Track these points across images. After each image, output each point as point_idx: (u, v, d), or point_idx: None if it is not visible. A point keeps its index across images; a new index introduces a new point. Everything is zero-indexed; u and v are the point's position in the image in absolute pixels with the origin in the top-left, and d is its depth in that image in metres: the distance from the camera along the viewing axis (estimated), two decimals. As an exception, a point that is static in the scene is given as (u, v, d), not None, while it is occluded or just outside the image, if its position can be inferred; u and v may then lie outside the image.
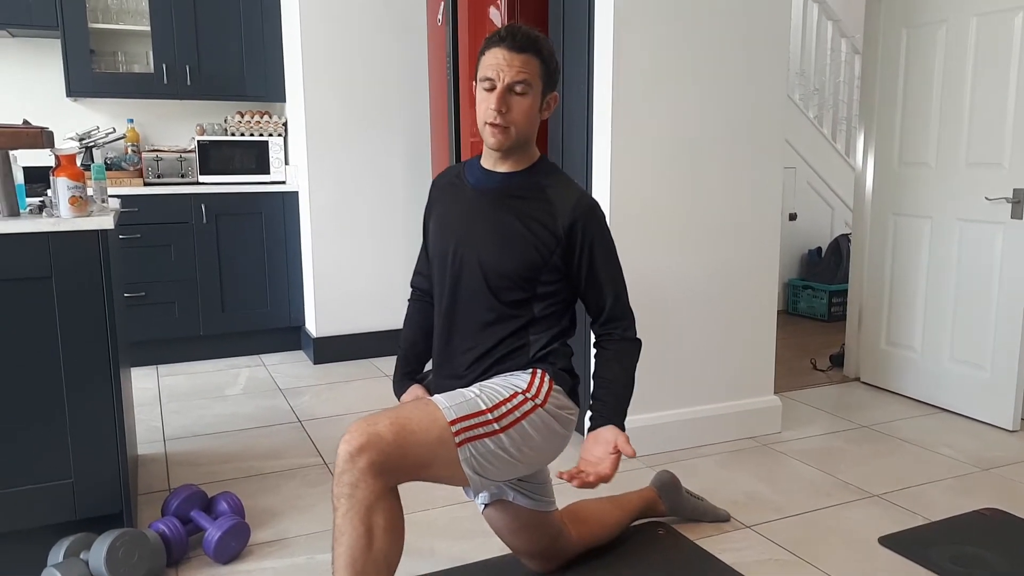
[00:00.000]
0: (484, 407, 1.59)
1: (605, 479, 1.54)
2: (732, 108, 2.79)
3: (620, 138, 2.62)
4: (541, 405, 1.65)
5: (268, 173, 4.26)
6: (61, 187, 1.96)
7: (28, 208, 2.11)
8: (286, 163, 4.36)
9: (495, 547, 2.13)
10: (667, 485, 2.28)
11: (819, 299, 5.11)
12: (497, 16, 3.11)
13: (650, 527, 2.25)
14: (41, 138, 1.97)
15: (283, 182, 4.27)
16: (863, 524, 2.31)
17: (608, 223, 1.78)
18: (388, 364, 4.06)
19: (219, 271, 4.07)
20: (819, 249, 5.38)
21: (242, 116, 4.31)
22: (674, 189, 2.72)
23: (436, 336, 1.81)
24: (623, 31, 2.58)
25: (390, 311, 4.21)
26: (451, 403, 1.58)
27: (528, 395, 1.65)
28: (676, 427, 2.85)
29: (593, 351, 1.80)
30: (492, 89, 1.62)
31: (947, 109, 3.26)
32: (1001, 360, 3.11)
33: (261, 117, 4.34)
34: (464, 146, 3.48)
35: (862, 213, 3.73)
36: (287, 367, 4.05)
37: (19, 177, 2.13)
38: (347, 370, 3.97)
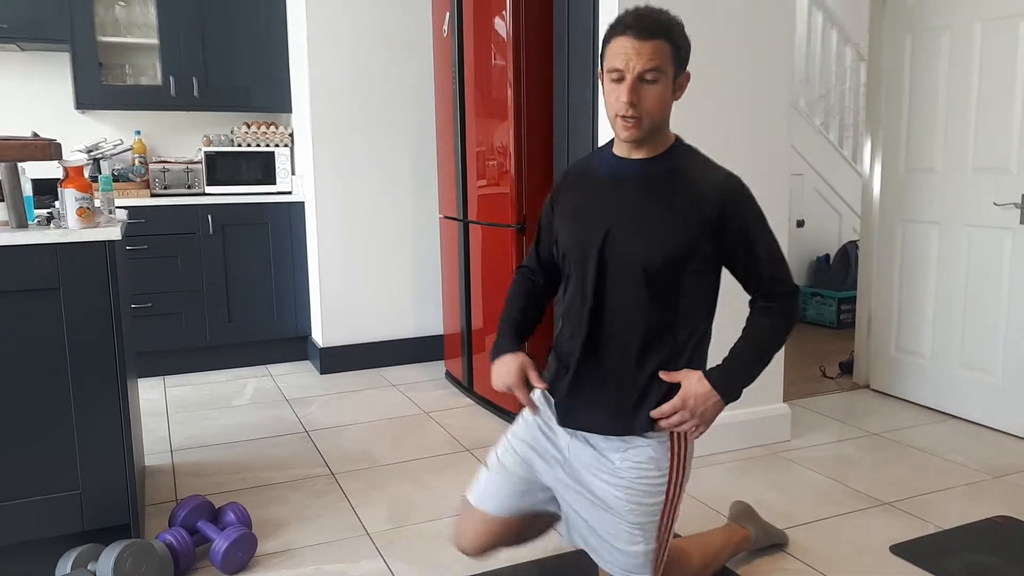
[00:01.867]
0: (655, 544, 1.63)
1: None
2: (737, 114, 2.78)
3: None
4: (685, 464, 1.65)
5: (274, 183, 4.27)
6: (69, 198, 1.97)
7: (36, 219, 2.13)
8: (292, 173, 4.37)
9: (503, 557, 2.11)
10: (743, 513, 2.21)
11: (828, 306, 5.09)
12: (503, 26, 3.11)
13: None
14: (49, 150, 1.98)
15: (289, 192, 4.28)
16: (874, 532, 2.29)
17: None
18: (395, 374, 4.06)
19: (226, 281, 4.08)
20: (827, 256, 5.36)
21: (248, 127, 4.33)
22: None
23: (575, 332, 1.66)
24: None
25: (396, 320, 4.21)
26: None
27: (673, 482, 1.62)
28: (684, 435, 2.83)
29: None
30: (620, 80, 1.53)
31: (953, 114, 3.25)
32: (1011, 366, 3.09)
33: (267, 128, 4.35)
34: (469, 155, 3.48)
35: (870, 219, 3.71)
36: (294, 377, 4.05)
37: (27, 189, 2.14)
38: (354, 380, 3.97)
